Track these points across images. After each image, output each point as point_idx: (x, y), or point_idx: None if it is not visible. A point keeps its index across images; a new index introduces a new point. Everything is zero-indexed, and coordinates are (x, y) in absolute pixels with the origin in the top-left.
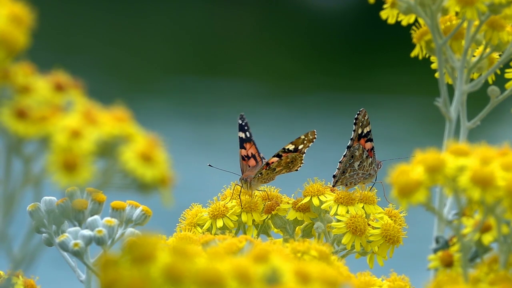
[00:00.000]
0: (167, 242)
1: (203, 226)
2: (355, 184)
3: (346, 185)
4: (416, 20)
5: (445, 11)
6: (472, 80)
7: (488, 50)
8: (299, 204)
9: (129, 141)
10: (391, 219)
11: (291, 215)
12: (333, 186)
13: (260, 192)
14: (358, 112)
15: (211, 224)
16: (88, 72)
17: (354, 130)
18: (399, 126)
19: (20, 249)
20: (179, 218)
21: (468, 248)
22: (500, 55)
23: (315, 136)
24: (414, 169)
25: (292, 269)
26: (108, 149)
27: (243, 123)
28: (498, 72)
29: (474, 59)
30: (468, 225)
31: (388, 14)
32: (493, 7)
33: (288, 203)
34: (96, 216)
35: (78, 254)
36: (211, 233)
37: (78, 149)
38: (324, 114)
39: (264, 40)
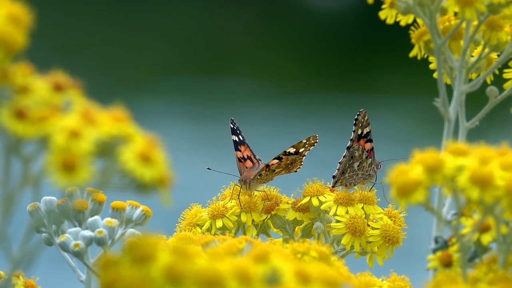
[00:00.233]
0: (167, 242)
1: (203, 226)
2: (354, 185)
3: (346, 185)
4: (414, 20)
5: (444, 11)
6: (470, 80)
7: (486, 50)
8: (299, 204)
9: (128, 141)
10: (391, 220)
11: (291, 215)
12: (333, 186)
13: (260, 192)
14: (358, 113)
15: (211, 224)
16: (88, 72)
17: (353, 131)
18: (399, 126)
19: (19, 249)
20: (178, 218)
21: (467, 248)
22: (498, 55)
23: (317, 140)
24: (413, 169)
25: (292, 269)
26: (107, 149)
27: (235, 127)
28: (497, 72)
29: (472, 59)
30: (467, 225)
31: (387, 14)
32: (492, 7)
33: (287, 203)
34: (96, 217)
35: (78, 254)
36: (210, 233)
37: (77, 149)
38: (323, 114)
39: (264, 40)
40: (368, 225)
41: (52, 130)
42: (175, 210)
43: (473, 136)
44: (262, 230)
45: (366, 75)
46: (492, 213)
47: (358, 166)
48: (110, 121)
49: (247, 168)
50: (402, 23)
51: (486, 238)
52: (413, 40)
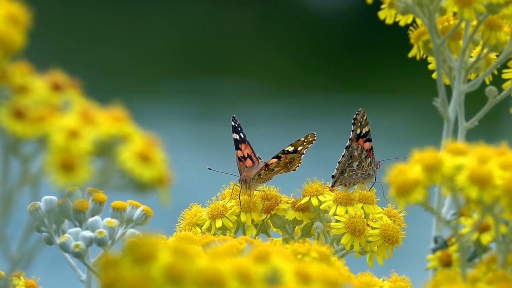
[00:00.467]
0: (167, 242)
1: (202, 226)
2: (354, 184)
3: (345, 185)
4: (414, 21)
5: (443, 11)
6: (469, 80)
7: (485, 50)
8: (298, 204)
9: (127, 141)
10: (391, 219)
11: (290, 215)
12: (332, 186)
13: (259, 191)
14: (356, 112)
15: (210, 224)
16: (88, 72)
17: (352, 130)
18: (398, 126)
19: (17, 249)
20: (178, 218)
21: (467, 248)
22: (497, 56)
23: (315, 138)
24: (412, 168)
25: (292, 269)
26: (106, 149)
27: (236, 125)
28: (496, 72)
29: (471, 59)
30: (467, 224)
31: (386, 14)
32: (491, 7)
33: (287, 202)
34: (97, 217)
35: (79, 255)
36: (210, 233)
37: (76, 149)
38: (323, 114)
39: (264, 40)
40: (368, 225)
41: (51, 130)
42: (174, 210)
43: (473, 136)
44: (262, 229)
45: (365, 75)
46: (491, 213)
47: (357, 165)
48: (109, 120)
49: (247, 167)
50: (401, 23)
51: (486, 238)
52: (412, 40)
